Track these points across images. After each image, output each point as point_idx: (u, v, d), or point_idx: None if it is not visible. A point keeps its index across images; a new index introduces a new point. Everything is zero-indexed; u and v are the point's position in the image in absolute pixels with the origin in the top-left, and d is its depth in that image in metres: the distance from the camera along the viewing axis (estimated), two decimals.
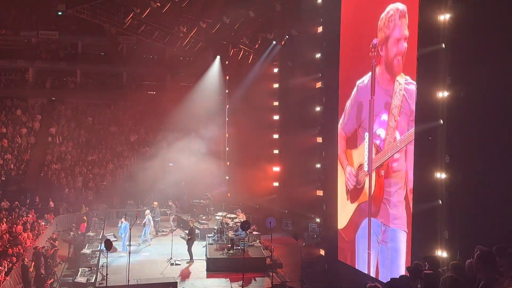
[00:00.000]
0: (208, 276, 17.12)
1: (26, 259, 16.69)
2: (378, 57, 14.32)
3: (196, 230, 19.81)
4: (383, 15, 14.12)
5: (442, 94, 11.08)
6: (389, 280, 7.05)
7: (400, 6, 13.34)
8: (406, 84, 12.89)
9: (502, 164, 9.96)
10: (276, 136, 25.54)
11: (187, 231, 19.25)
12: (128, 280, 14.80)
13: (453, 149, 10.85)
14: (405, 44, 12.98)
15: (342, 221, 16.45)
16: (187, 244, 18.54)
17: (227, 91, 29.40)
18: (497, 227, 9.58)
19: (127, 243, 17.02)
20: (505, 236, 9.00)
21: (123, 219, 19.70)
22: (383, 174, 13.99)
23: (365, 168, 14.97)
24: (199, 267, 17.93)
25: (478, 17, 10.45)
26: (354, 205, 15.66)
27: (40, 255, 17.03)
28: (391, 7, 13.77)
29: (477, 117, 10.50)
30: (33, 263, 16.94)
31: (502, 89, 9.81)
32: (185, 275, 17.18)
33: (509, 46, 9.86)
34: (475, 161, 10.55)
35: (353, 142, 15.88)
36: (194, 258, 18.38)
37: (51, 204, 25.51)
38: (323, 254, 17.70)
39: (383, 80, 14.14)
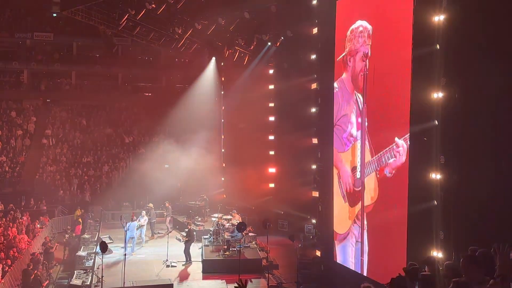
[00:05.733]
0: (204, 278, 17.13)
1: (30, 264, 16.59)
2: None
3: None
4: (353, 27, 14.78)
5: (437, 95, 11.10)
6: (389, 281, 7.00)
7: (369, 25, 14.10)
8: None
9: (497, 164, 9.99)
10: (271, 137, 25.53)
11: (183, 233, 19.18)
12: (124, 282, 14.76)
13: (448, 150, 10.86)
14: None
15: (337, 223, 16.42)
16: (185, 245, 18.51)
17: (222, 92, 29.38)
18: (492, 227, 9.61)
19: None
20: (500, 236, 9.04)
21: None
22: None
23: (358, 175, 14.96)
24: (195, 268, 17.92)
25: (472, 18, 10.46)
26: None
27: (38, 262, 16.96)
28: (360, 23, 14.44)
29: (471, 118, 10.51)
30: (31, 267, 16.83)
31: (497, 90, 9.82)
32: (181, 276, 17.16)
33: (503, 47, 9.90)
34: (470, 162, 10.56)
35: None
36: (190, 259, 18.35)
37: (46, 206, 25.41)
38: (319, 255, 17.68)
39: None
